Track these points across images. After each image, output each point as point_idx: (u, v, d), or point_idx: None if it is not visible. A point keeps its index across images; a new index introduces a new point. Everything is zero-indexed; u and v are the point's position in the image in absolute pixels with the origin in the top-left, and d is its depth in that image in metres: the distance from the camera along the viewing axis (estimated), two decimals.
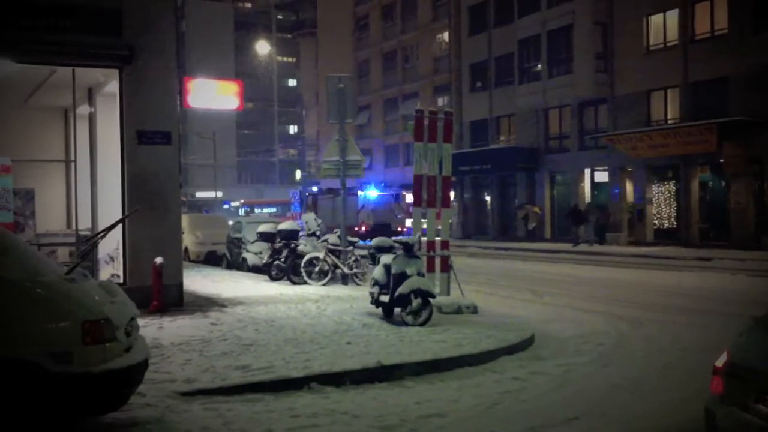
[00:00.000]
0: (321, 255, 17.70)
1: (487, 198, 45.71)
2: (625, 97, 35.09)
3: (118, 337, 6.04)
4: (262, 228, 19.92)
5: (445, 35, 51.31)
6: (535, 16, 38.87)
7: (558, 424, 6.85)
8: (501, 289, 17.95)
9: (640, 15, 34.37)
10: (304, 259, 17.67)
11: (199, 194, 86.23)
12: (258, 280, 18.83)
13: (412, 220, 14.52)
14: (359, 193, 43.09)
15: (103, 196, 14.15)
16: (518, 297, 16.32)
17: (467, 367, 9.05)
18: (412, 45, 56.47)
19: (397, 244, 12.38)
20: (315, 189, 54.75)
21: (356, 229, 36.25)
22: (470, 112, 46.19)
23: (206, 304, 14.04)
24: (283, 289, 16.71)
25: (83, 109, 15.15)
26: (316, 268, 17.63)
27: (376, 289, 12.29)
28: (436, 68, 52.92)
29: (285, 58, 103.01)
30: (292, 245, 18.46)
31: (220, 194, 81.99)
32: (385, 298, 11.96)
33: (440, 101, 50.80)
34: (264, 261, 19.96)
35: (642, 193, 34.77)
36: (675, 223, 33.69)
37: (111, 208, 13.46)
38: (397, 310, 11.78)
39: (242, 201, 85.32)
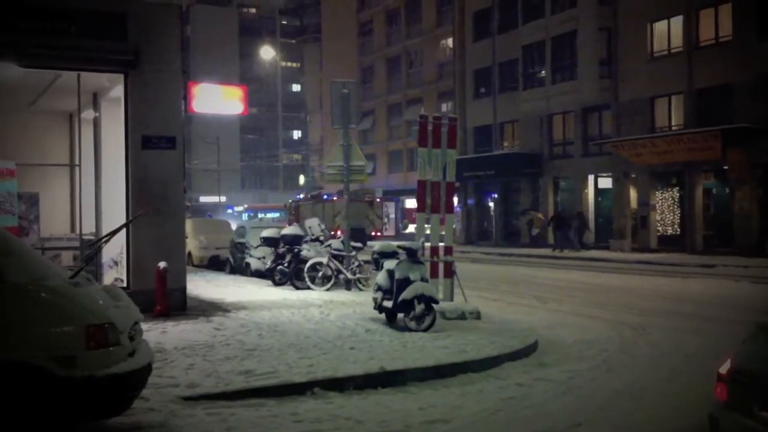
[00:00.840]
0: (324, 260, 17.70)
1: (491, 204, 45.70)
2: (629, 104, 35.06)
3: (122, 341, 6.04)
4: (266, 233, 19.93)
5: (450, 41, 51.36)
6: (539, 22, 38.88)
7: (562, 430, 6.84)
8: (504, 294, 17.94)
9: (644, 21, 34.36)
10: (308, 264, 17.67)
11: (203, 199, 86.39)
12: (261, 285, 18.83)
13: (415, 225, 14.50)
14: (334, 199, 45.26)
15: (107, 200, 14.17)
16: (522, 303, 16.30)
17: (471, 372, 9.04)
18: (417, 51, 56.55)
19: (400, 250, 12.37)
20: (300, 195, 58.36)
21: (332, 233, 37.45)
22: (474, 118, 46.20)
23: (210, 308, 14.04)
24: (286, 294, 16.71)
25: (88, 114, 15.19)
26: (320, 273, 17.63)
27: (379, 295, 12.28)
28: (440, 74, 52.97)
29: (289, 64, 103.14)
30: (296, 250, 18.46)
31: (223, 199, 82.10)
32: (388, 304, 11.95)
33: (444, 107, 50.86)
34: (267, 266, 19.96)
35: (646, 200, 34.73)
36: (679, 229, 33.62)
37: (115, 213, 13.48)
38: (400, 315, 11.77)
39: (245, 206, 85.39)
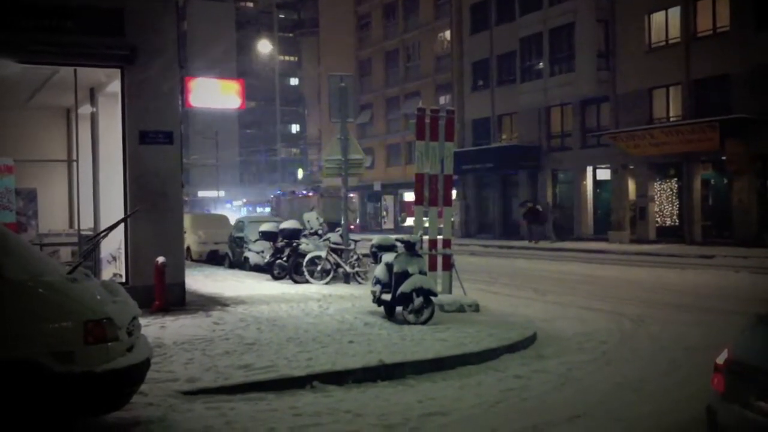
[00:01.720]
0: (323, 254, 17.71)
1: (490, 196, 45.71)
2: (627, 95, 35.04)
3: (121, 336, 6.04)
4: (264, 227, 19.92)
5: (447, 34, 51.28)
6: (537, 14, 38.83)
7: (560, 422, 6.84)
8: (503, 287, 17.95)
9: (641, 12, 34.32)
10: (306, 258, 17.68)
11: (202, 193, 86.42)
12: (260, 280, 18.83)
13: (414, 218, 14.51)
14: (309, 195, 49.76)
15: (105, 195, 14.16)
16: (520, 295, 16.31)
17: (469, 365, 9.05)
18: (414, 44, 56.47)
19: (399, 243, 12.38)
20: (279, 191, 63.49)
21: None
22: (472, 111, 46.17)
23: (208, 303, 14.05)
24: (285, 288, 16.72)
25: (85, 109, 15.16)
26: (318, 267, 17.64)
27: (378, 288, 12.29)
28: (438, 67, 52.90)
29: (287, 58, 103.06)
30: (294, 244, 18.46)
31: (222, 193, 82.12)
32: (387, 297, 11.96)
33: (442, 100, 50.80)
34: (266, 260, 19.96)
35: (644, 191, 34.73)
36: (677, 220, 33.64)
37: (113, 208, 13.47)
38: (399, 308, 11.78)
39: (245, 200, 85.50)
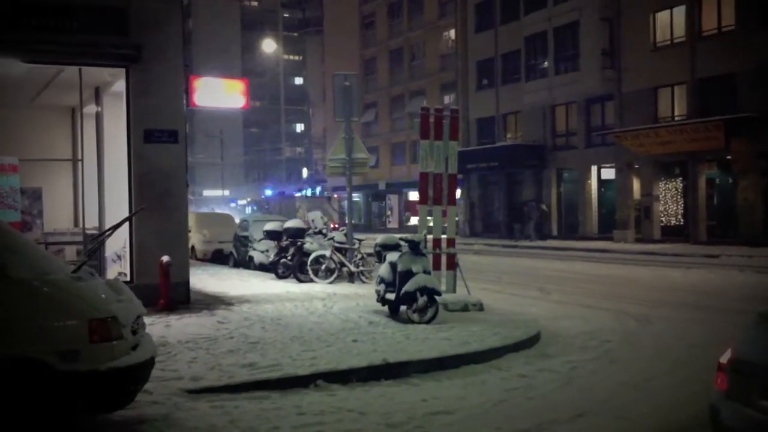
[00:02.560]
0: (327, 253, 17.72)
1: (494, 196, 45.69)
2: (632, 94, 35.00)
3: (125, 335, 6.06)
4: (269, 226, 19.91)
5: (452, 33, 51.26)
6: (542, 13, 38.80)
7: (564, 421, 6.85)
8: (508, 286, 17.94)
9: (646, 11, 34.28)
10: (311, 257, 17.69)
11: (207, 192, 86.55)
12: (265, 279, 18.85)
13: (418, 218, 14.50)
14: (296, 194, 54.52)
15: (110, 194, 14.19)
16: (525, 294, 16.31)
17: (473, 364, 9.05)
18: (419, 42, 56.44)
19: (403, 242, 12.38)
20: (269, 192, 69.44)
21: None
22: (477, 110, 46.14)
23: (213, 302, 14.07)
24: (289, 287, 16.73)
25: (90, 109, 15.20)
26: (323, 266, 17.65)
27: (382, 287, 12.29)
28: (443, 66, 52.87)
29: (291, 57, 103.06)
30: (299, 243, 18.48)
31: (227, 192, 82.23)
32: (391, 296, 11.97)
33: (447, 99, 50.78)
34: (271, 259, 19.97)
35: (649, 190, 34.69)
36: (682, 220, 33.60)
37: (118, 207, 13.50)
38: (403, 307, 11.78)
39: (249, 199, 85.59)
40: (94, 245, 8.88)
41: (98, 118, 14.99)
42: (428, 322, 11.28)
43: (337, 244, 18.04)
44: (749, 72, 29.47)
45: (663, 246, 30.66)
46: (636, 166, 35.31)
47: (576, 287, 17.58)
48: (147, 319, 7.19)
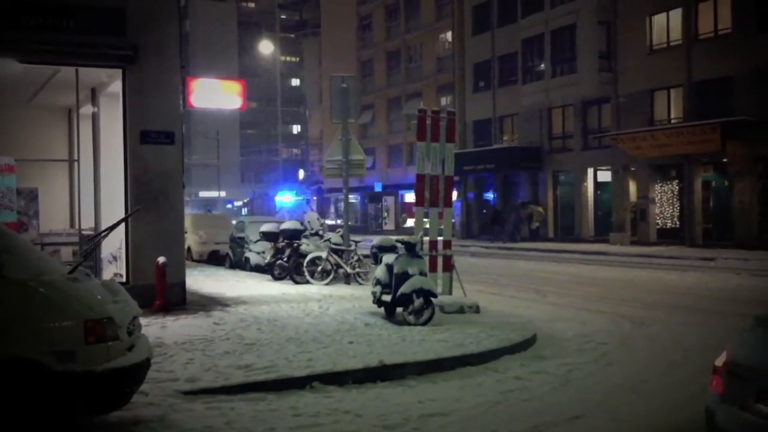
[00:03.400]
0: (324, 254, 17.71)
1: (490, 198, 45.74)
2: (629, 97, 35.04)
3: (121, 336, 6.05)
4: (265, 227, 19.90)
5: (449, 35, 51.29)
6: (539, 16, 38.84)
7: (560, 423, 6.85)
8: (504, 288, 17.95)
9: (643, 14, 34.33)
10: (307, 259, 17.68)
11: (203, 194, 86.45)
12: (261, 280, 18.84)
13: (414, 219, 14.51)
14: (276, 198, 57.82)
15: (106, 195, 14.17)
16: (521, 296, 16.32)
17: (469, 366, 9.06)
18: (416, 44, 56.46)
19: (399, 244, 12.38)
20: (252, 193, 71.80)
21: None
22: (473, 112, 46.18)
23: (209, 303, 14.06)
24: (285, 288, 16.71)
25: (87, 109, 15.18)
26: (319, 268, 17.65)
27: (378, 289, 12.29)
28: (440, 68, 52.90)
29: (288, 58, 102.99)
30: (295, 245, 18.46)
31: (223, 194, 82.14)
32: (387, 298, 11.97)
33: (443, 101, 50.81)
34: (267, 260, 19.94)
35: (645, 193, 34.73)
36: (678, 222, 33.65)
37: (114, 208, 13.48)
38: (399, 309, 11.78)
39: (245, 200, 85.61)
40: (90, 246, 8.88)
41: (95, 118, 14.96)
42: (424, 323, 11.28)
43: (333, 246, 18.03)
44: (745, 75, 29.53)
45: (659, 249, 30.70)
46: (632, 169, 35.36)
47: (572, 290, 17.59)
48: (143, 320, 7.18)
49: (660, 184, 34.68)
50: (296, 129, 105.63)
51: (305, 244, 18.40)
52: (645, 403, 7.58)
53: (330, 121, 20.48)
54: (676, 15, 32.91)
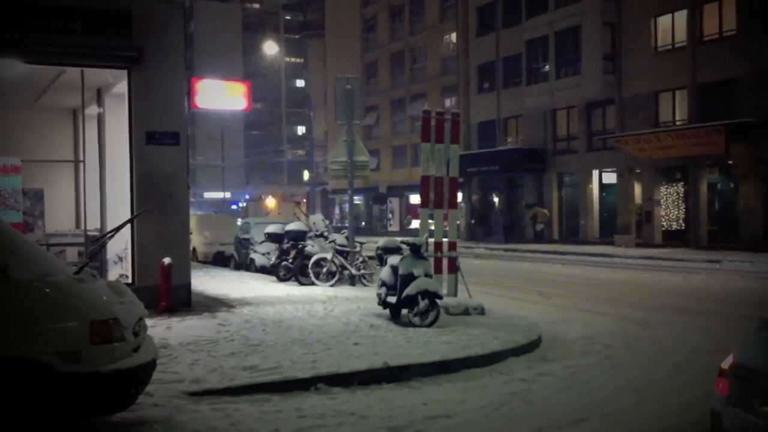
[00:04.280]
0: (329, 256, 17.71)
1: (495, 199, 45.71)
2: (633, 98, 35.00)
3: (126, 337, 6.06)
4: (270, 229, 19.91)
5: (453, 36, 51.27)
6: (543, 17, 38.80)
7: (565, 425, 6.85)
8: (508, 290, 17.94)
9: (648, 16, 34.28)
10: (312, 260, 17.68)
11: (208, 195, 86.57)
12: (266, 281, 18.85)
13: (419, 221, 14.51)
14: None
15: (111, 196, 14.20)
16: (526, 298, 16.31)
17: (474, 368, 9.05)
18: (420, 46, 56.46)
19: (404, 246, 12.38)
20: (247, 196, 74.84)
21: None
22: (478, 113, 46.15)
23: (214, 304, 14.07)
24: (290, 289, 16.72)
25: (92, 110, 15.21)
26: (324, 269, 17.65)
27: (383, 290, 12.30)
28: (444, 69, 52.88)
29: (293, 59, 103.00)
30: (300, 246, 18.47)
31: (228, 195, 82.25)
32: (392, 299, 11.97)
33: (448, 102, 50.77)
34: (272, 262, 19.96)
35: (650, 195, 34.68)
36: (683, 224, 33.58)
37: (120, 209, 13.51)
38: (404, 311, 11.78)
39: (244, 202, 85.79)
40: (95, 247, 8.88)
41: (100, 119, 15.00)
42: (429, 325, 11.27)
43: (338, 247, 18.03)
44: (750, 77, 29.47)
45: (664, 251, 30.64)
46: (637, 171, 35.29)
47: (577, 291, 17.58)
48: (148, 321, 7.20)
49: (665, 186, 34.62)
50: (301, 130, 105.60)
51: (310, 246, 18.41)
52: (649, 405, 7.57)
53: (335, 122, 20.51)
54: (681, 17, 32.85)
